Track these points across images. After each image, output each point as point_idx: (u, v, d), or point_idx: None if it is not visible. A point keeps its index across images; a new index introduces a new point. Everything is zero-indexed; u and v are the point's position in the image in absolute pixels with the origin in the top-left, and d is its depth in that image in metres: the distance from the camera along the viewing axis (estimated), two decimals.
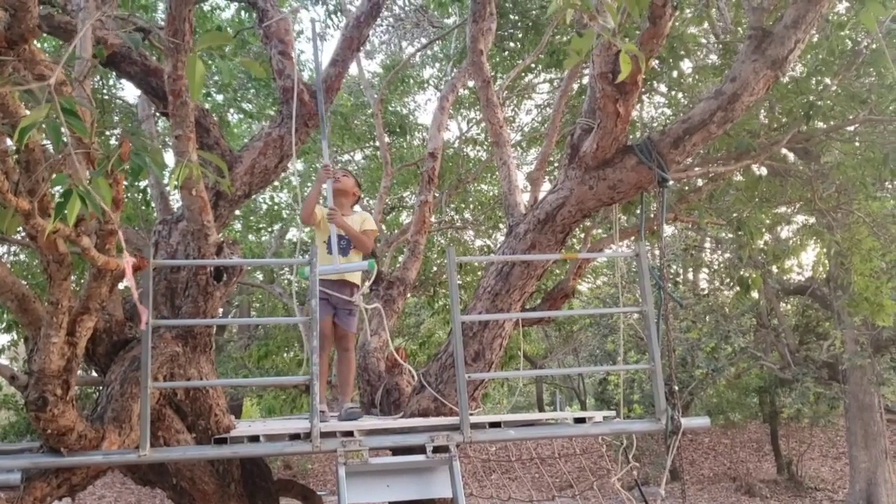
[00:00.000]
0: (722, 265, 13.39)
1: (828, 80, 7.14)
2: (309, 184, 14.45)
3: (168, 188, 7.41)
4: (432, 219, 9.49)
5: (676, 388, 4.05)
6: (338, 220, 4.70)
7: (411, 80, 12.27)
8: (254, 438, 3.65)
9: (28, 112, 2.26)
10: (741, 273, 8.36)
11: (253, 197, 7.47)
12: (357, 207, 5.26)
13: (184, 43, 3.23)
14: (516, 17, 8.84)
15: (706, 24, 8.19)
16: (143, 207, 8.55)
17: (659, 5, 3.67)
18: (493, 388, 20.56)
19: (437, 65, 11.97)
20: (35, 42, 2.53)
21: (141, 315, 2.80)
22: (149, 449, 3.26)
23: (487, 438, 3.78)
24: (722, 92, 4.46)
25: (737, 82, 4.42)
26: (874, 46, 6.72)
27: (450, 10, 10.28)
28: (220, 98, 10.44)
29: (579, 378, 23.40)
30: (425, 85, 12.60)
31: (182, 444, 4.02)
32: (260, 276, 13.41)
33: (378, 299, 6.59)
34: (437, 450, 3.55)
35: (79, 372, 3.31)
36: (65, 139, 2.05)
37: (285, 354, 11.69)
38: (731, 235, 9.70)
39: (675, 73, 7.72)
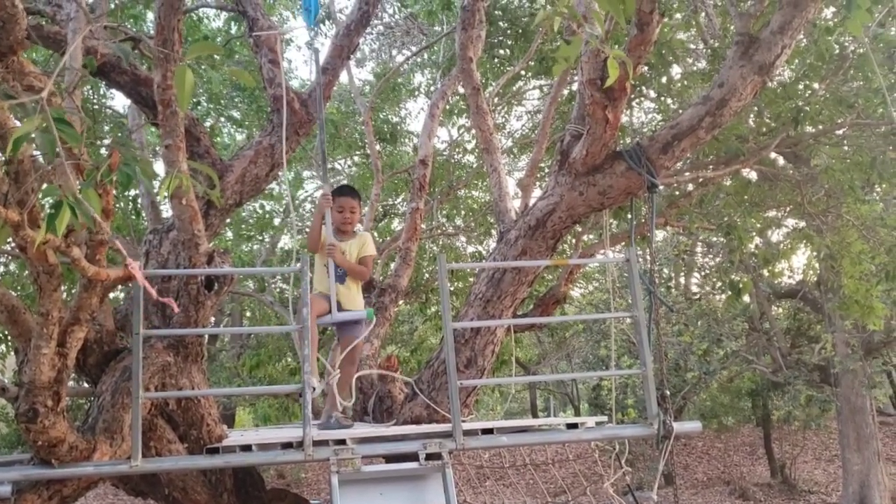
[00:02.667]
0: (713, 269, 13.45)
1: (816, 85, 7.19)
2: (300, 192, 14.48)
3: (158, 198, 7.39)
4: (423, 226, 9.50)
5: (668, 392, 4.06)
6: (336, 258, 4.59)
7: (403, 89, 12.28)
8: (246, 448, 3.63)
9: (17, 123, 2.26)
10: (732, 277, 8.38)
11: (244, 205, 7.47)
12: (358, 226, 5.12)
13: (173, 52, 3.23)
14: (506, 25, 8.87)
15: (694, 31, 8.23)
16: (134, 217, 8.53)
17: (646, 12, 3.69)
18: (486, 395, 20.54)
19: (427, 72, 12.00)
20: (24, 53, 2.53)
21: (172, 305, 2.81)
22: (140, 459, 3.24)
23: (480, 445, 3.77)
24: (710, 97, 4.49)
25: (724, 88, 4.45)
26: (861, 51, 6.78)
27: (439, 16, 10.31)
28: (209, 106, 10.43)
29: (573, 384, 23.40)
30: (416, 93, 12.62)
31: (174, 454, 4.01)
32: (251, 285, 13.39)
33: (370, 307, 6.58)
34: (429, 457, 3.55)
35: (70, 383, 3.30)
36: (56, 150, 2.05)
37: (277, 363, 11.65)
38: (721, 240, 9.74)
39: (664, 80, 7.76)
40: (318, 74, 5.00)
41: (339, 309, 4.61)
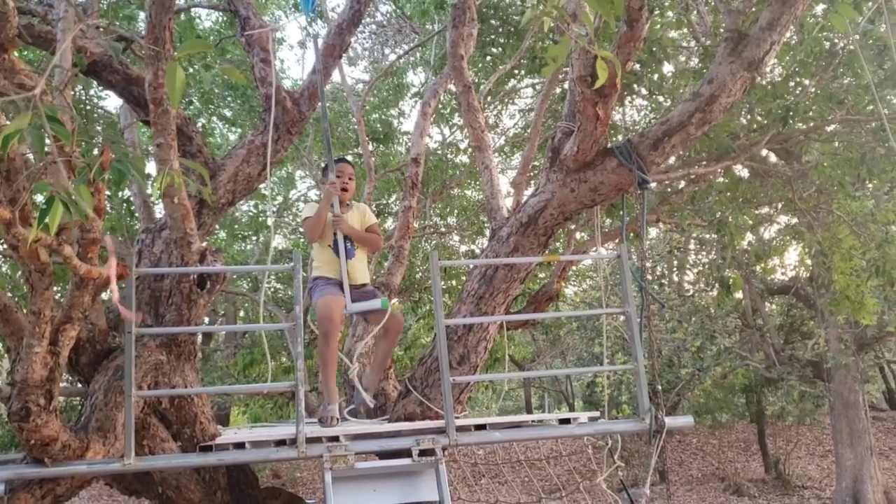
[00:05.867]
0: (706, 266, 13.50)
1: (806, 82, 7.22)
2: (293, 191, 14.47)
3: (151, 197, 7.39)
4: (416, 224, 9.51)
5: (661, 387, 4.08)
6: (345, 228, 4.45)
7: (406, 91, 12.26)
8: (239, 445, 3.64)
9: (7, 121, 2.26)
10: (723, 274, 8.42)
11: (236, 205, 7.46)
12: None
13: (164, 51, 3.24)
14: (497, 23, 8.88)
15: (686, 29, 8.26)
16: (128, 218, 8.52)
17: (635, 9, 3.71)
18: (480, 392, 20.56)
19: (420, 71, 12.00)
20: (15, 52, 2.54)
21: (130, 317, 2.80)
22: (133, 458, 3.25)
23: (473, 441, 3.79)
24: (700, 94, 4.52)
25: (714, 84, 4.48)
26: (850, 48, 6.82)
27: (433, 16, 10.31)
28: (199, 107, 10.43)
29: (567, 381, 23.46)
30: (418, 96, 12.60)
31: (167, 452, 4.01)
32: (245, 284, 13.39)
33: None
34: (423, 453, 3.56)
35: (62, 383, 3.31)
36: (46, 147, 2.05)
37: (271, 363, 11.65)
38: (713, 236, 9.78)
39: (655, 77, 7.79)
40: (317, 60, 4.98)
41: (353, 285, 4.45)
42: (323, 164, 5.19)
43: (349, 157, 12.38)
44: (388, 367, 4.70)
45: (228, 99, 10.46)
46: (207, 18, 10.82)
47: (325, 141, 4.79)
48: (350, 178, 4.71)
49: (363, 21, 7.99)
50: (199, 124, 10.23)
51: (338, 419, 4.20)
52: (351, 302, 4.39)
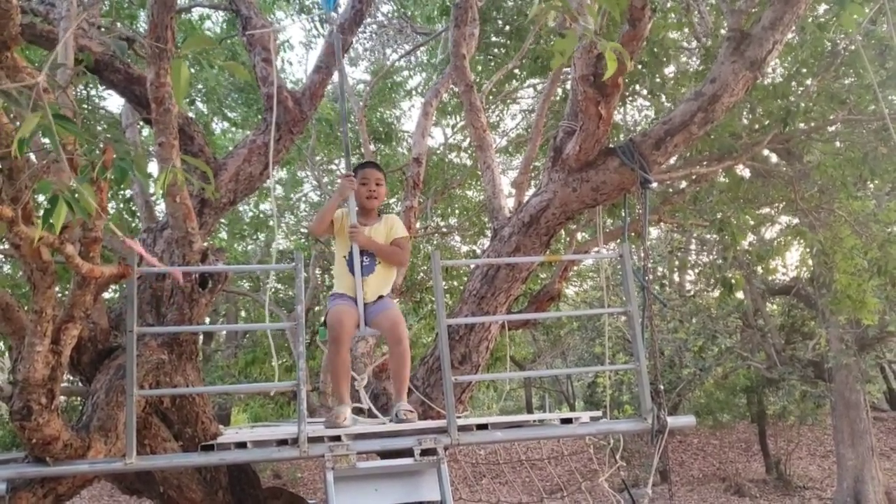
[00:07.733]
0: (707, 266, 13.49)
1: (808, 81, 7.22)
2: (294, 193, 14.45)
3: (153, 197, 7.39)
4: (417, 224, 9.50)
5: (662, 387, 4.07)
6: (361, 241, 4.04)
7: (401, 89, 12.25)
8: (241, 445, 3.63)
9: (7, 121, 2.26)
10: (724, 274, 8.41)
11: (237, 205, 7.46)
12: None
13: (166, 49, 3.24)
14: (500, 24, 8.88)
15: (687, 30, 8.25)
16: (129, 218, 8.53)
17: (638, 7, 3.71)
18: (482, 392, 20.56)
19: (423, 72, 12.00)
20: (18, 51, 2.53)
21: (176, 276, 2.78)
22: (135, 457, 3.24)
23: (475, 440, 3.78)
24: (702, 93, 4.51)
25: (716, 83, 4.47)
26: (852, 48, 6.81)
27: (438, 20, 10.30)
28: (203, 107, 10.43)
29: (568, 381, 23.45)
30: (413, 93, 12.60)
31: (169, 451, 4.01)
32: (246, 284, 13.39)
33: None
34: (424, 453, 3.55)
35: (64, 382, 3.31)
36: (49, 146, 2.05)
37: (273, 362, 11.64)
38: (715, 237, 9.77)
39: (657, 79, 7.78)
40: (339, 62, 4.94)
41: (368, 303, 4.07)
42: (321, 165, 5.16)
43: (353, 158, 12.39)
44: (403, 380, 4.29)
45: (237, 101, 10.46)
46: (207, 19, 10.81)
47: (343, 143, 4.73)
48: (378, 184, 4.27)
49: (364, 21, 7.98)
50: (202, 124, 10.22)
51: (347, 417, 3.92)
52: (365, 324, 4.03)
